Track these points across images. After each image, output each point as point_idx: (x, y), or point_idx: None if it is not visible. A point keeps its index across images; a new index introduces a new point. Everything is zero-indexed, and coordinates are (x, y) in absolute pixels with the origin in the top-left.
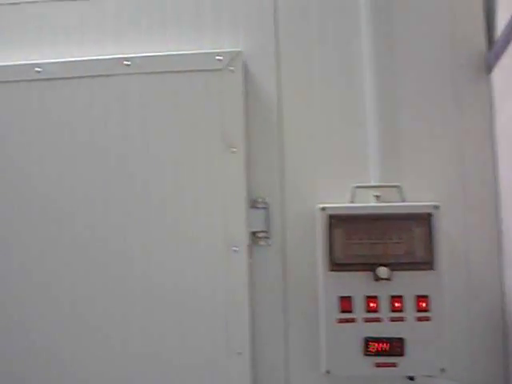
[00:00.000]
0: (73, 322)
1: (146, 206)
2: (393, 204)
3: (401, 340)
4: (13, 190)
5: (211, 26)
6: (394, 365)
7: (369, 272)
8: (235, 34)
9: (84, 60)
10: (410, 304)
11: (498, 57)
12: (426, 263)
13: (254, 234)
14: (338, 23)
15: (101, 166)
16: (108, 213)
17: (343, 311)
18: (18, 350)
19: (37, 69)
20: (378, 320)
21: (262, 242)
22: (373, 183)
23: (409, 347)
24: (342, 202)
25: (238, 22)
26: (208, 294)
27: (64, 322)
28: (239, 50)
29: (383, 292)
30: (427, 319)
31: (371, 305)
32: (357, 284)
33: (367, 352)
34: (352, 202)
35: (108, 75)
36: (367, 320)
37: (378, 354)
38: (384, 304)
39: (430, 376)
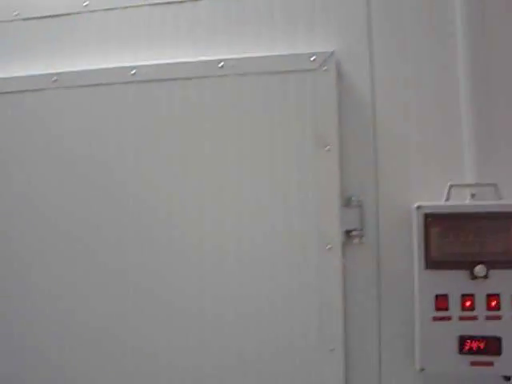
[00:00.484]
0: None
1: (240, 205)
2: (489, 202)
3: (497, 339)
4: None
5: (304, 27)
6: (489, 364)
7: (465, 270)
8: (328, 34)
9: (178, 62)
10: (506, 303)
11: None
12: None
13: (347, 232)
14: (432, 21)
15: (194, 165)
16: (204, 213)
17: (439, 309)
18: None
19: (132, 71)
20: (473, 318)
21: (355, 241)
22: (468, 181)
23: (505, 346)
24: (436, 201)
25: (331, 22)
26: (301, 292)
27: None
28: (332, 50)
29: (479, 290)
30: None
31: (467, 303)
32: (453, 282)
33: (462, 350)
34: (447, 200)
35: (203, 77)
36: (463, 318)
37: (474, 352)
38: (480, 302)
39: None
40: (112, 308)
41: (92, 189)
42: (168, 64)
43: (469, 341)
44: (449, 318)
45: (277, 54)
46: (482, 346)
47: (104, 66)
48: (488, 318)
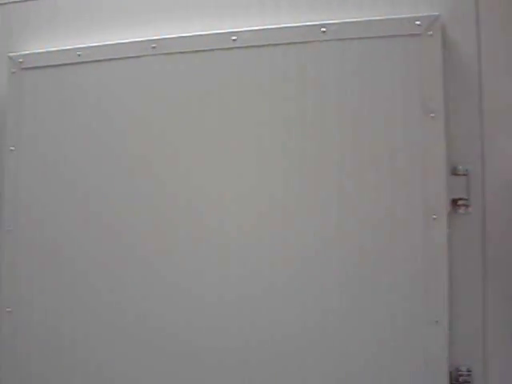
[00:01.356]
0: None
1: (342, 174)
2: None
3: None
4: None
5: None
6: None
7: None
8: None
9: (279, 27)
10: None
11: None
12: None
13: (453, 201)
14: None
15: (297, 133)
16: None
17: None
18: None
19: (233, 37)
20: None
21: (461, 210)
22: None
23: None
24: None
25: None
26: (406, 263)
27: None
28: (437, 13)
29: None
30: None
31: None
32: None
33: None
34: None
35: (304, 42)
36: None
37: None
38: None
39: None
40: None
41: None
42: (269, 29)
43: None
44: None
45: (380, 18)
46: None
47: (204, 31)
48: None
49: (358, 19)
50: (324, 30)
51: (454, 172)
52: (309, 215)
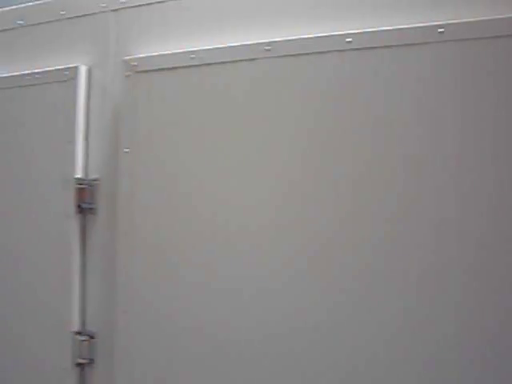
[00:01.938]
0: None
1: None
2: None
3: None
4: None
5: None
6: None
7: None
8: None
9: (394, 29)
10: None
11: None
12: None
13: None
14: None
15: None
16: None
17: None
18: None
19: (348, 39)
20: None
21: None
22: None
23: None
24: None
25: None
26: None
27: None
28: None
29: None
30: None
31: None
32: None
33: None
34: None
35: (421, 43)
36: None
37: None
38: None
39: None
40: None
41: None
42: (384, 31)
43: None
44: None
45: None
46: None
47: (317, 34)
48: None
49: (478, 18)
50: (442, 30)
51: None
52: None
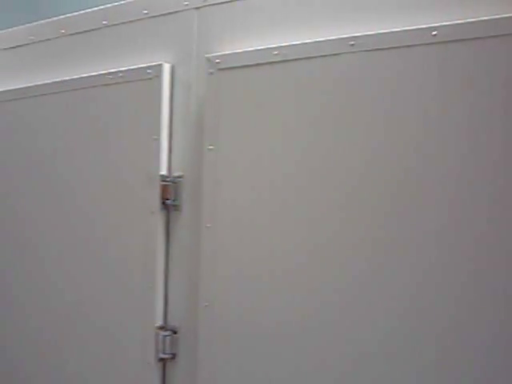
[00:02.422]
0: None
1: None
2: None
3: None
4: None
5: None
6: None
7: None
8: None
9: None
10: None
11: None
12: None
13: None
14: None
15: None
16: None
17: None
18: None
19: (433, 32)
20: None
21: None
22: None
23: None
24: None
25: None
26: None
27: None
28: None
29: None
30: None
31: None
32: None
33: None
34: None
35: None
36: None
37: None
38: None
39: None
40: None
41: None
42: (471, 23)
43: None
44: None
45: None
46: None
47: (402, 27)
48: None
49: None
50: None
51: None
52: None
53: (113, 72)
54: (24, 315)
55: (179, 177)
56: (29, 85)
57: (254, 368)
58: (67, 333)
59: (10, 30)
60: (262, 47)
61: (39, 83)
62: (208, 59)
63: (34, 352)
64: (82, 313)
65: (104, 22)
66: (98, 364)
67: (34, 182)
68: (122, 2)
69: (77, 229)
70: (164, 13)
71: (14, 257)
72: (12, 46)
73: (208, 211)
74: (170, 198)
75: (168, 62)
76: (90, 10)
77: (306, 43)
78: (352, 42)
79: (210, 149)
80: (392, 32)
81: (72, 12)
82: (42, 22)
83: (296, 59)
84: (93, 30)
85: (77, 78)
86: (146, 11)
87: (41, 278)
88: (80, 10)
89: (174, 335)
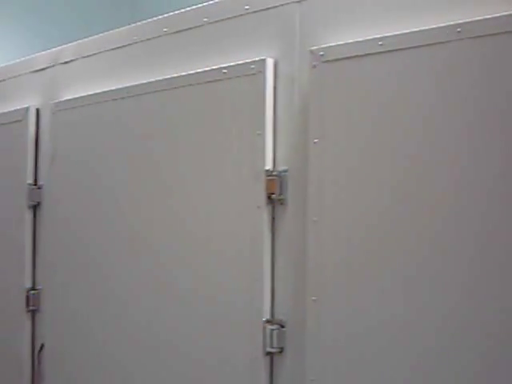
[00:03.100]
0: None
1: None
2: None
3: None
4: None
5: None
6: None
7: None
8: None
9: None
10: None
11: None
12: None
13: None
14: None
15: None
16: None
17: None
18: None
19: (457, 29)
20: None
21: None
22: None
23: None
24: None
25: None
26: None
27: None
28: None
29: None
30: None
31: None
32: None
33: None
34: None
35: None
36: None
37: None
38: None
39: None
40: None
41: None
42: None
43: None
44: None
45: None
46: None
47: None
48: None
49: None
50: None
51: None
52: None
53: (216, 69)
54: (139, 310)
55: (284, 171)
56: (133, 83)
57: (363, 364)
58: (176, 327)
59: (113, 31)
60: (367, 38)
61: (143, 82)
62: (312, 52)
63: (143, 347)
64: (190, 307)
65: (205, 20)
66: (206, 359)
67: (143, 179)
68: None
69: (185, 225)
70: (266, 7)
71: (130, 252)
72: (117, 46)
73: (314, 205)
74: (275, 192)
75: (271, 57)
76: (190, 8)
77: (411, 32)
78: (459, 29)
79: (316, 142)
80: (501, 16)
81: (173, 11)
82: (144, 21)
83: (401, 49)
84: (194, 27)
85: (180, 76)
86: (247, 7)
87: (157, 269)
88: (180, 9)
89: (282, 329)
